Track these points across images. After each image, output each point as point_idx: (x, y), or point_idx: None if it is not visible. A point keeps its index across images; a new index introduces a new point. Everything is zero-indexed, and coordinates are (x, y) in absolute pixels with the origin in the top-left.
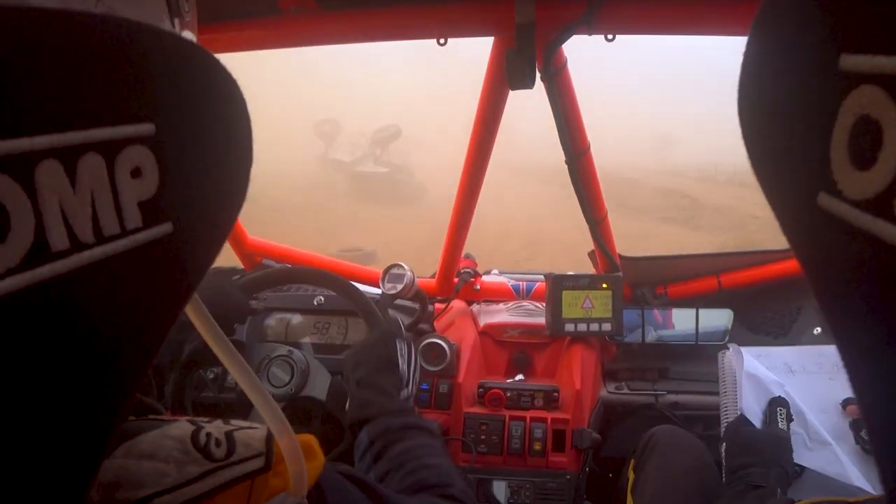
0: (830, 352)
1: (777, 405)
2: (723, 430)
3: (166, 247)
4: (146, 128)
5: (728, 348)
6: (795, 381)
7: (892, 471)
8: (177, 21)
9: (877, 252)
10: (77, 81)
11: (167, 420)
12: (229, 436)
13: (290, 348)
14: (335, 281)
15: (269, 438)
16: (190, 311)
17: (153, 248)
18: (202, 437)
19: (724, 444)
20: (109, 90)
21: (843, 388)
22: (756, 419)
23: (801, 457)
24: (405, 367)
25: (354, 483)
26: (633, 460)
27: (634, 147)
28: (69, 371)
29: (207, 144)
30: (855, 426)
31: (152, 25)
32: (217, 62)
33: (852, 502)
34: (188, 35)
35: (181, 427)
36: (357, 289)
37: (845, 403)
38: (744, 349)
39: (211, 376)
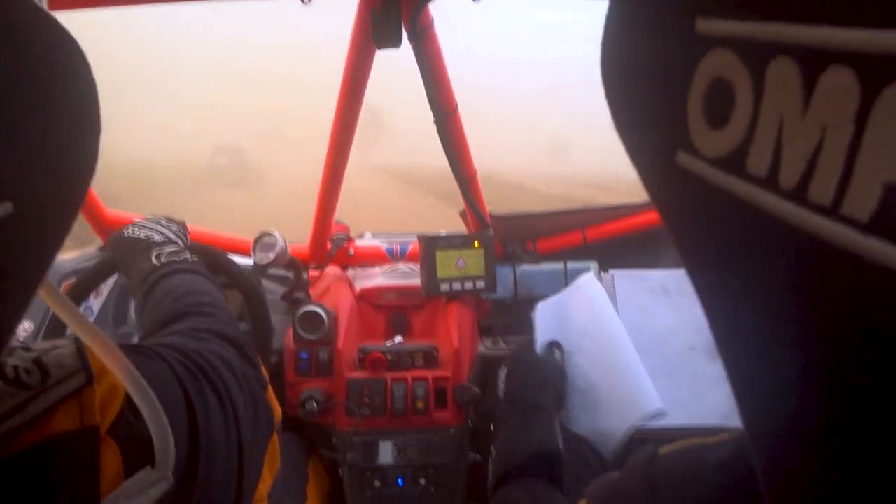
0: None
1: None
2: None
3: (8, 227)
4: None
5: (606, 272)
6: (672, 301)
7: (750, 411)
8: None
9: (730, 206)
10: None
11: None
12: (38, 362)
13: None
14: (204, 250)
15: (81, 352)
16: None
17: None
18: (9, 371)
19: (506, 369)
20: None
21: None
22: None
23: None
24: (146, 231)
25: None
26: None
27: (524, 151)
28: None
29: (48, 113)
30: None
31: None
32: (56, 23)
33: (712, 442)
34: None
35: None
36: (226, 256)
37: None
38: (622, 272)
39: None
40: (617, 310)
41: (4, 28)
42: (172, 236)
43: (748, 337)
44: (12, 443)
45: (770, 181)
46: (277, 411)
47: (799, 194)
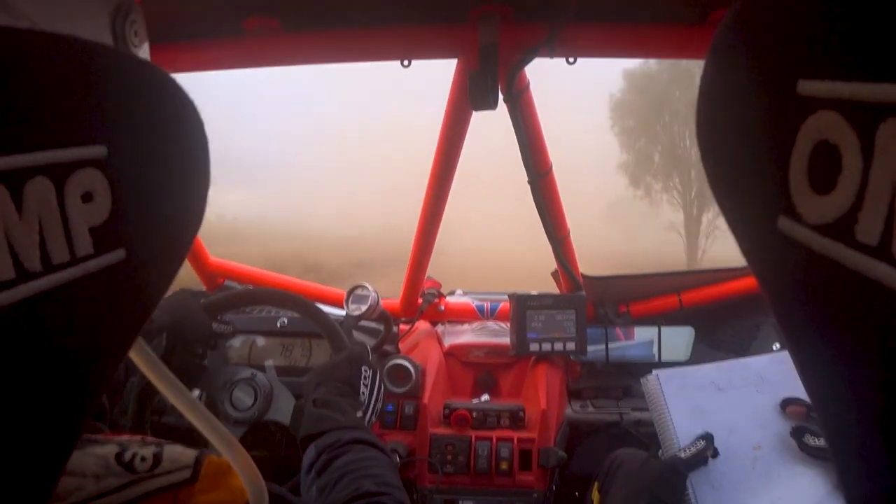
0: (752, 364)
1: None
2: (662, 454)
3: (119, 273)
4: (98, 150)
5: (651, 372)
6: (726, 397)
7: (848, 471)
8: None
9: (837, 276)
10: (25, 101)
11: (100, 441)
12: (157, 454)
13: (254, 371)
14: (299, 302)
15: (201, 454)
16: (135, 354)
17: (105, 275)
18: (127, 456)
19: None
20: (59, 111)
21: (771, 398)
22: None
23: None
24: (366, 391)
25: (276, 502)
26: (597, 482)
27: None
28: (19, 401)
29: (162, 167)
30: (796, 434)
31: (106, 45)
32: (173, 82)
33: None
34: (142, 52)
35: (107, 447)
36: (321, 310)
37: (784, 405)
38: (665, 372)
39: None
40: (669, 412)
41: (128, 87)
42: (371, 412)
43: (853, 408)
44: None
45: (882, 250)
46: None
47: None
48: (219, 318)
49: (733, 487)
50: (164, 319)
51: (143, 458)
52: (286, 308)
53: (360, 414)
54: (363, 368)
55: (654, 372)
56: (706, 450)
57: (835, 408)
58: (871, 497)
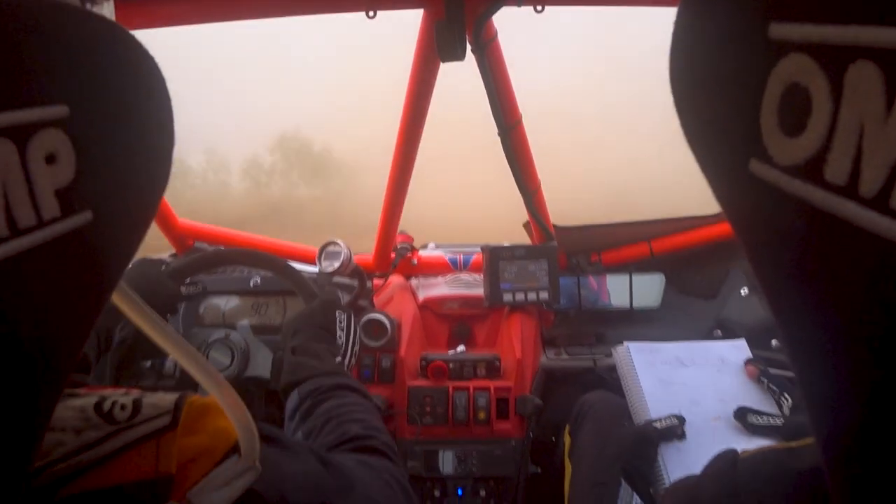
0: (714, 347)
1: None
2: (636, 420)
3: (87, 236)
4: (59, 110)
5: (622, 344)
6: (690, 372)
7: (821, 417)
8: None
9: (807, 216)
10: None
11: (80, 394)
12: (136, 401)
13: (228, 331)
14: (266, 259)
15: (180, 398)
16: (117, 298)
17: (73, 238)
18: (106, 405)
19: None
20: (17, 71)
21: (731, 379)
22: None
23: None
24: (343, 336)
25: (268, 441)
26: (568, 425)
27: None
28: None
29: (126, 126)
30: (739, 415)
31: (63, 2)
32: (133, 39)
33: (794, 447)
34: (106, 10)
35: (85, 398)
36: (289, 265)
37: (746, 362)
38: (635, 345)
39: (148, 365)
40: (639, 381)
41: (88, 45)
42: (350, 356)
43: (823, 343)
44: (82, 479)
45: (850, 189)
46: None
47: (881, 202)
48: (186, 282)
49: (696, 451)
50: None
51: (122, 407)
52: (251, 266)
53: (338, 359)
54: (337, 313)
55: (626, 343)
56: (678, 427)
57: (804, 348)
58: (837, 435)
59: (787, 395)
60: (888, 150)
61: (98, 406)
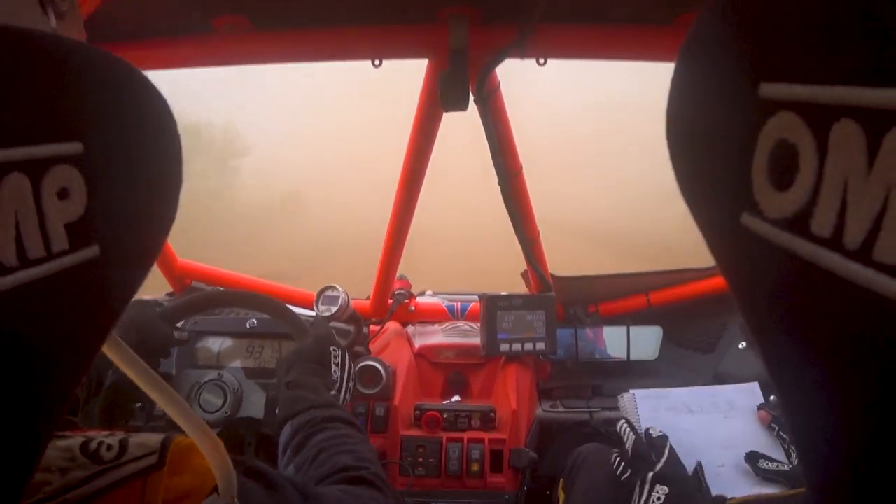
0: (722, 392)
1: None
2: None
3: (93, 270)
4: (74, 147)
5: (628, 392)
6: (695, 419)
7: (813, 466)
8: (50, 11)
9: (794, 267)
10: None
11: (66, 435)
12: (123, 441)
13: (220, 372)
14: (256, 298)
15: (167, 439)
16: (105, 345)
17: (80, 272)
18: (93, 445)
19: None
20: (35, 108)
21: (740, 424)
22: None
23: None
24: (338, 370)
25: (253, 476)
26: (562, 479)
27: None
28: None
29: (137, 164)
30: (750, 459)
31: (82, 42)
32: (146, 80)
33: (783, 497)
34: (74, 29)
35: (71, 439)
36: (283, 305)
37: (759, 407)
38: (641, 392)
39: (138, 405)
40: (642, 430)
41: (104, 85)
42: (344, 394)
43: (811, 394)
44: None
45: (835, 241)
46: None
47: (864, 254)
48: (179, 325)
49: None
50: (131, 336)
51: (108, 447)
52: (243, 306)
53: (333, 392)
54: (331, 349)
55: (631, 391)
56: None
57: (794, 399)
58: (827, 484)
59: (794, 447)
60: (870, 204)
61: (84, 446)
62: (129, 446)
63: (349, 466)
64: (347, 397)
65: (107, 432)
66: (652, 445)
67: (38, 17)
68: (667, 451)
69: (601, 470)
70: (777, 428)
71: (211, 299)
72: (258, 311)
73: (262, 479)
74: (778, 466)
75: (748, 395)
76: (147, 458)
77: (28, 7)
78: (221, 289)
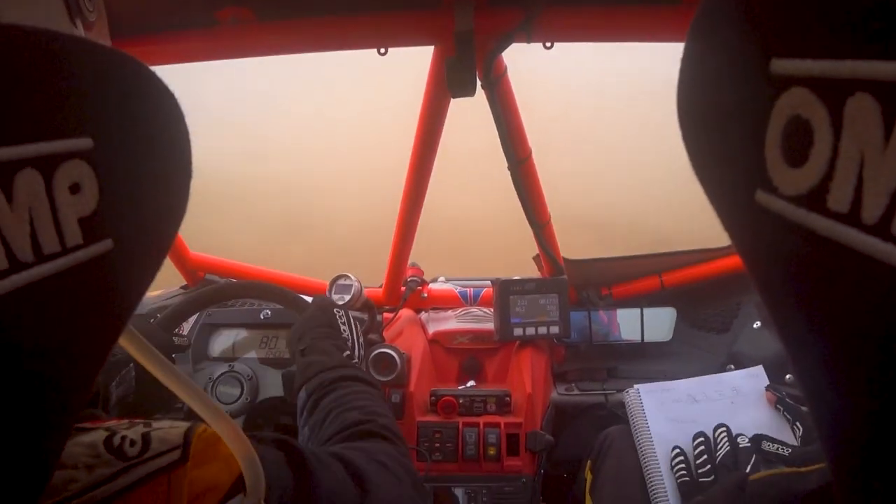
0: (727, 379)
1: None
2: (644, 465)
3: (107, 263)
4: (84, 142)
5: (633, 388)
6: (702, 408)
7: (832, 442)
8: (79, 22)
9: (811, 244)
10: (10, 96)
11: (87, 428)
12: (146, 435)
13: (230, 364)
14: (250, 286)
15: (189, 431)
16: (123, 338)
17: (94, 266)
18: (116, 440)
19: None
20: (45, 105)
21: (745, 411)
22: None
23: None
24: (346, 329)
25: (274, 444)
26: (590, 461)
27: None
28: (6, 396)
29: (147, 158)
30: (754, 441)
31: (88, 39)
32: (153, 75)
33: (803, 471)
34: (102, 38)
35: (94, 434)
36: (277, 286)
37: (767, 387)
38: (646, 387)
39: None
40: (648, 424)
41: (113, 81)
42: (357, 353)
43: (829, 368)
44: None
45: (852, 217)
46: None
47: (882, 228)
48: (176, 331)
49: None
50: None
51: (132, 443)
52: (239, 298)
53: (347, 353)
54: (335, 311)
55: (636, 387)
56: None
57: (812, 374)
58: (846, 458)
59: (798, 424)
60: (888, 177)
61: (108, 442)
62: (151, 441)
63: (357, 421)
64: (361, 352)
65: (125, 422)
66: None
67: (66, 27)
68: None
69: (631, 454)
70: (782, 409)
71: (200, 300)
72: (251, 297)
73: (284, 446)
74: (779, 449)
75: (753, 379)
76: (170, 453)
77: (56, 18)
78: (209, 287)
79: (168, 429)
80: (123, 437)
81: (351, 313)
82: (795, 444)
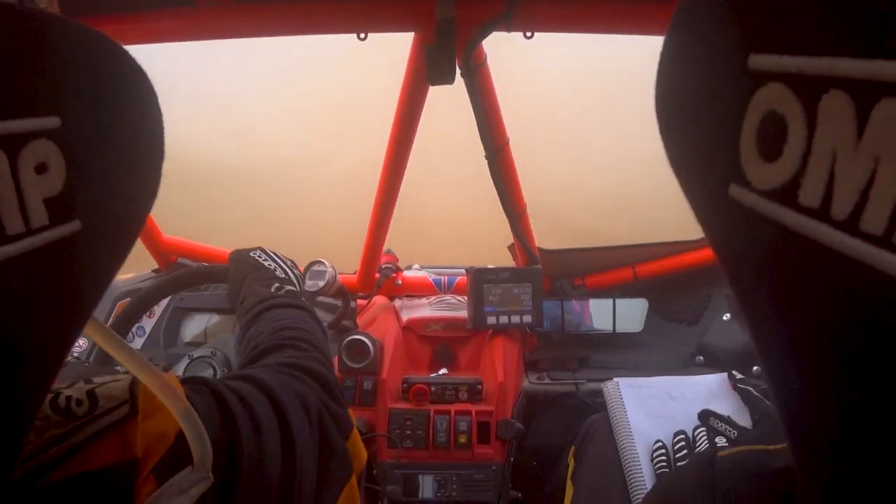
0: (703, 381)
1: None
2: (622, 456)
3: (75, 245)
4: (51, 121)
5: (612, 380)
6: (679, 406)
7: (795, 430)
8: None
9: (782, 238)
10: None
11: None
12: (91, 393)
13: (190, 353)
14: (180, 278)
15: (133, 384)
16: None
17: (61, 247)
18: (62, 401)
19: None
20: (11, 82)
21: (721, 408)
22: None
23: None
24: (273, 263)
25: (196, 385)
26: (573, 447)
27: None
28: None
29: (116, 138)
30: (703, 416)
31: (59, 16)
32: (126, 54)
33: (771, 450)
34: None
35: None
36: (196, 268)
37: (728, 376)
38: (625, 381)
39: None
40: (627, 416)
41: (82, 58)
42: (293, 279)
43: (798, 362)
44: (52, 473)
45: (822, 212)
46: (362, 456)
47: (851, 224)
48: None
49: None
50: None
51: (78, 402)
52: (173, 292)
53: (289, 287)
54: (252, 254)
55: (615, 380)
56: None
57: (781, 365)
58: (810, 447)
59: (748, 409)
60: (858, 175)
61: (54, 403)
62: (98, 398)
63: (266, 341)
64: (295, 272)
65: (66, 383)
66: None
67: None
68: None
69: (612, 441)
70: (739, 395)
71: (140, 302)
72: (185, 288)
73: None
74: (726, 429)
75: (726, 384)
76: (119, 409)
77: None
78: (147, 288)
79: (111, 384)
80: (69, 398)
81: (271, 251)
82: (741, 428)
